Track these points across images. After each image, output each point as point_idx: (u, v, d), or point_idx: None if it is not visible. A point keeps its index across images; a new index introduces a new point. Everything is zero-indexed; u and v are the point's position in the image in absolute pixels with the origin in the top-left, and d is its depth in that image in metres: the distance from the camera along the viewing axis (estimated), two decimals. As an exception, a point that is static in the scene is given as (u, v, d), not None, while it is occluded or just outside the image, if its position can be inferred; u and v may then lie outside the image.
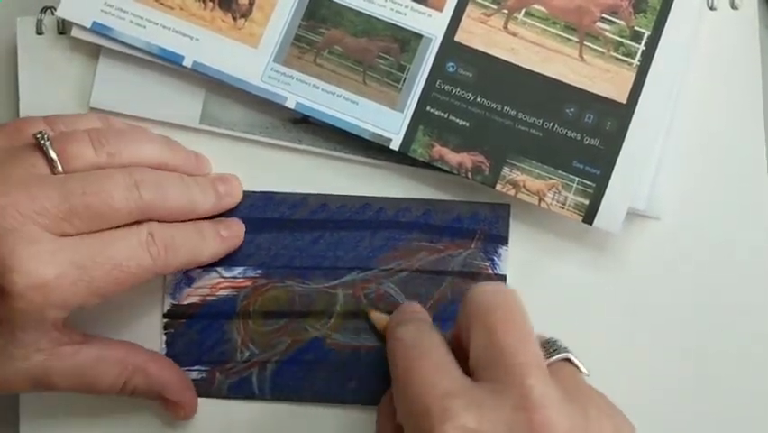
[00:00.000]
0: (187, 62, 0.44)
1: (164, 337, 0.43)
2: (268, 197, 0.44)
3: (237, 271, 0.44)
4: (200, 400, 0.43)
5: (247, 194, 0.44)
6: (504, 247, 0.44)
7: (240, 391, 0.43)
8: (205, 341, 0.43)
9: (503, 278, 0.43)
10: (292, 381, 0.43)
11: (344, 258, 0.44)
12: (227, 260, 0.43)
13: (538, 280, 0.44)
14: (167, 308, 0.44)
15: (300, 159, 0.45)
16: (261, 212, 0.44)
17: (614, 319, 0.43)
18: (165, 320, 0.43)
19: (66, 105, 0.45)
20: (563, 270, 0.44)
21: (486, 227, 0.44)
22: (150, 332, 0.43)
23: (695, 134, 0.45)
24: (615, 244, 0.44)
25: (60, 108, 0.44)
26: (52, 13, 0.46)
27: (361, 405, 0.43)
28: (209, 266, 0.43)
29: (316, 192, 0.44)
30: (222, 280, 0.44)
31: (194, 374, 0.43)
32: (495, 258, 0.43)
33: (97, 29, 0.44)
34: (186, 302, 0.44)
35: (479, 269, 0.43)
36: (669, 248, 0.44)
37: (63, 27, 0.46)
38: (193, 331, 0.43)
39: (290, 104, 0.44)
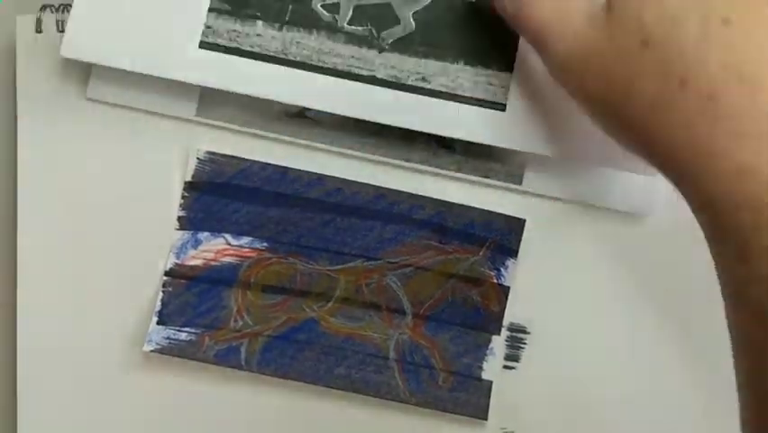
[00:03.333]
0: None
1: (161, 294, 0.43)
2: (282, 171, 0.44)
3: (244, 240, 0.43)
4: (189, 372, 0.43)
5: (262, 166, 0.44)
6: (512, 260, 0.43)
7: (226, 359, 0.43)
8: (200, 304, 0.43)
9: (506, 289, 0.43)
10: (280, 357, 0.43)
11: (352, 245, 0.44)
12: (236, 227, 0.43)
13: (538, 277, 0.44)
14: (169, 266, 0.43)
15: (297, 152, 0.44)
16: (276, 186, 0.44)
17: (610, 317, 0.44)
18: (165, 278, 0.43)
19: (63, 98, 0.44)
20: (561, 268, 0.44)
21: (498, 237, 0.44)
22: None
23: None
24: (611, 244, 0.44)
25: (58, 102, 0.44)
26: (51, 12, 0.45)
27: (344, 392, 0.43)
28: (217, 231, 0.43)
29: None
30: (228, 246, 0.43)
31: (183, 336, 0.43)
32: (501, 269, 0.43)
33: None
34: (189, 264, 0.43)
35: (483, 276, 0.43)
36: (663, 248, 0.44)
37: (62, 25, 0.45)
38: (191, 293, 0.43)
39: None
